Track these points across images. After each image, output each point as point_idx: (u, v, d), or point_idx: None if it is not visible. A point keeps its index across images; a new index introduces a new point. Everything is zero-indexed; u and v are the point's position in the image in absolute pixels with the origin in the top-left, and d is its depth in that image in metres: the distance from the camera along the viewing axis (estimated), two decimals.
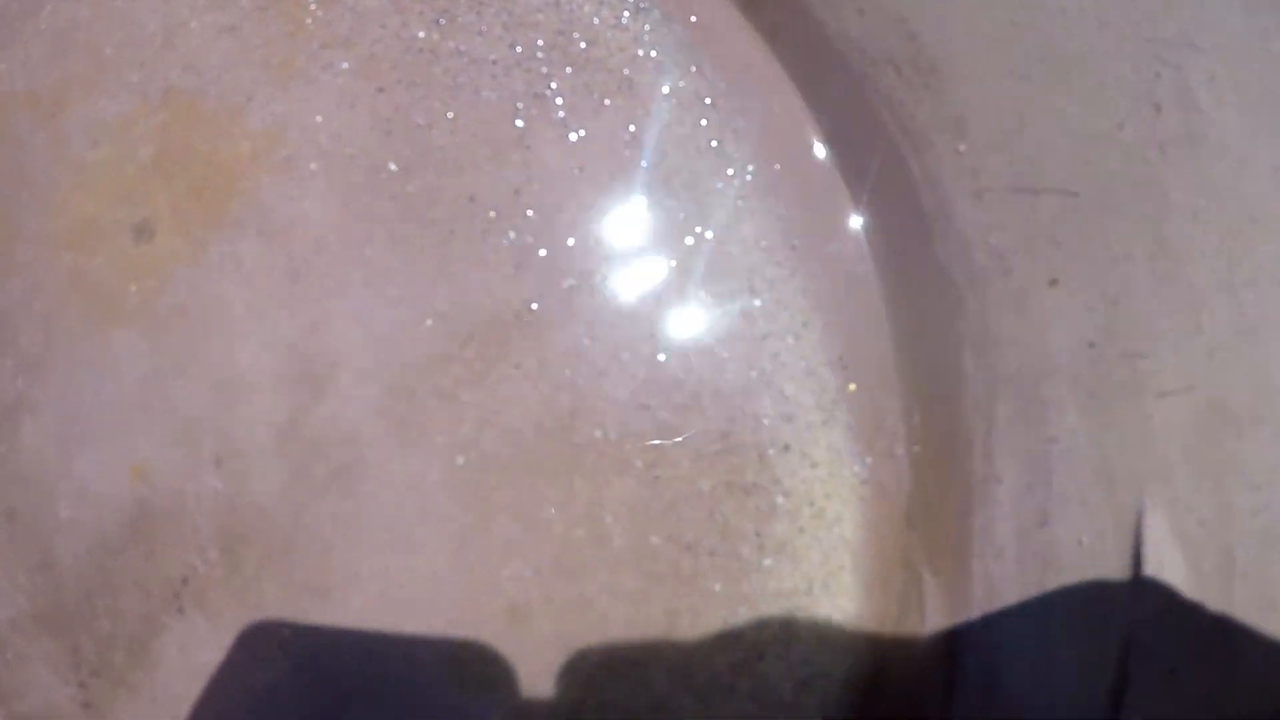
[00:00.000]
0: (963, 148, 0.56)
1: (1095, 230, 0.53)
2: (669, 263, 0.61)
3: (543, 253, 0.61)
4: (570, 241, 0.61)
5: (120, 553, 0.62)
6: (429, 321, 0.61)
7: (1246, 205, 0.48)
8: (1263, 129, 0.47)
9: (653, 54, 0.59)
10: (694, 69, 0.60)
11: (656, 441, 0.59)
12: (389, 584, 0.61)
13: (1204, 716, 0.52)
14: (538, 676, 0.61)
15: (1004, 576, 0.58)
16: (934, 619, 0.61)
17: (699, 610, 0.60)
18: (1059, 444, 0.56)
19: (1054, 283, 0.55)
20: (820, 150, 0.60)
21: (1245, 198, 0.48)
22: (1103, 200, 0.53)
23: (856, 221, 0.60)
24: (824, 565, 0.60)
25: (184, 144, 0.63)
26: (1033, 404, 0.56)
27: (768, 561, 0.60)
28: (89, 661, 0.62)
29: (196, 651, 0.61)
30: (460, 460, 0.60)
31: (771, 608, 0.61)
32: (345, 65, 0.62)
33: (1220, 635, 0.51)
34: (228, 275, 0.62)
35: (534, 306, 0.61)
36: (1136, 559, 0.54)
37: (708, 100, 0.59)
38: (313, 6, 0.61)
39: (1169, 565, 0.53)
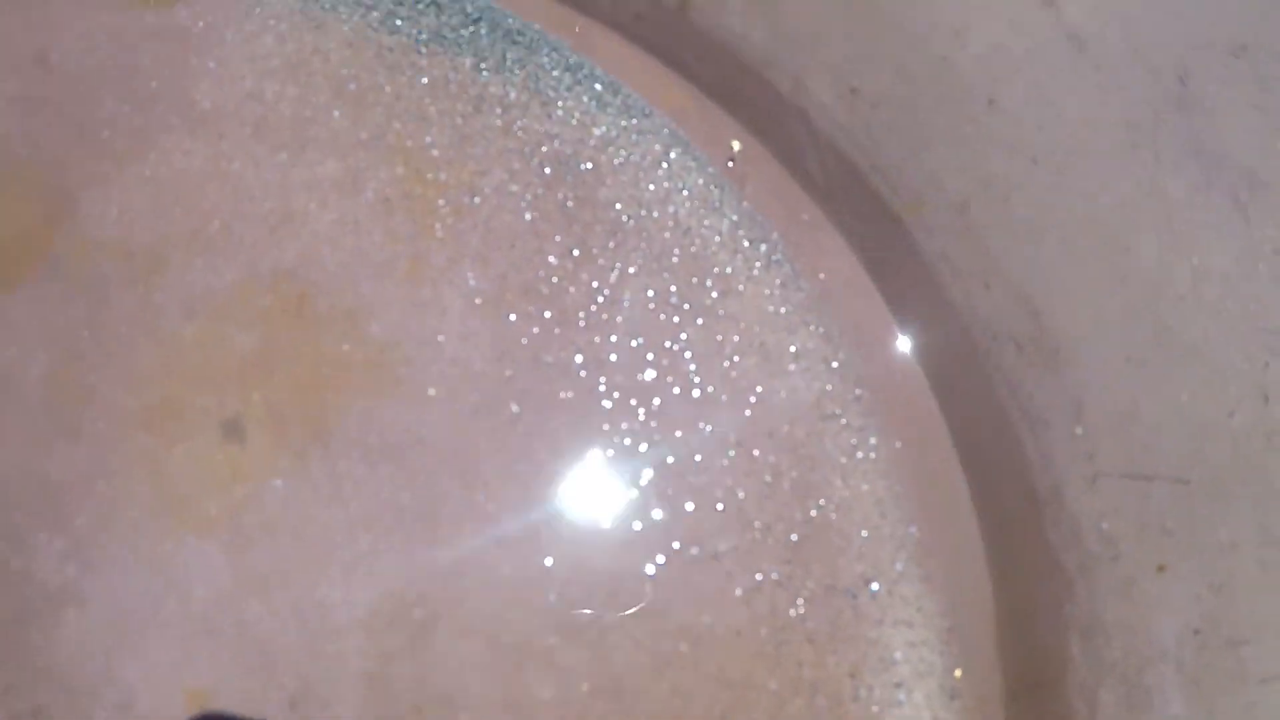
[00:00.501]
0: (1079, 430, 0.58)
1: (1204, 519, 0.56)
2: (785, 532, 0.58)
3: (659, 516, 0.58)
4: (690, 507, 0.58)
5: None
6: (545, 578, 0.55)
7: None
8: None
9: (782, 310, 0.58)
10: (821, 330, 0.59)
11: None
12: None
13: None
14: None
15: None
16: None
17: None
18: None
19: (1162, 569, 0.57)
20: (941, 428, 0.60)
21: None
22: (1212, 489, 0.55)
23: (970, 502, 0.60)
24: None
25: (291, 338, 0.57)
26: (1137, 690, 0.57)
27: None
28: None
29: None
30: None
31: None
32: (473, 283, 0.58)
33: None
34: (326, 497, 0.55)
35: (651, 570, 0.57)
36: None
37: (834, 364, 0.59)
38: (444, 210, 0.56)
39: None
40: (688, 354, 0.59)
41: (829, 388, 0.58)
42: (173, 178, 0.59)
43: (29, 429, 0.55)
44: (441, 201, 0.58)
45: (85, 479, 0.55)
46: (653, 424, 0.58)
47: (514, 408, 0.57)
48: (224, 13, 0.59)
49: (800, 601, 0.58)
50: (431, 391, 0.57)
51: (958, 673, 0.57)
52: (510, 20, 0.61)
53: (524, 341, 0.58)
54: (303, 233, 0.59)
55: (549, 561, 0.56)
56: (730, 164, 0.61)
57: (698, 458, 0.58)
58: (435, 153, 0.59)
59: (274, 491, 0.55)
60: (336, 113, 0.59)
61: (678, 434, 0.58)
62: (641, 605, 0.56)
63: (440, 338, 0.57)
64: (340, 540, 0.55)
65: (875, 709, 0.56)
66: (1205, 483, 0.56)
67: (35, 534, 0.54)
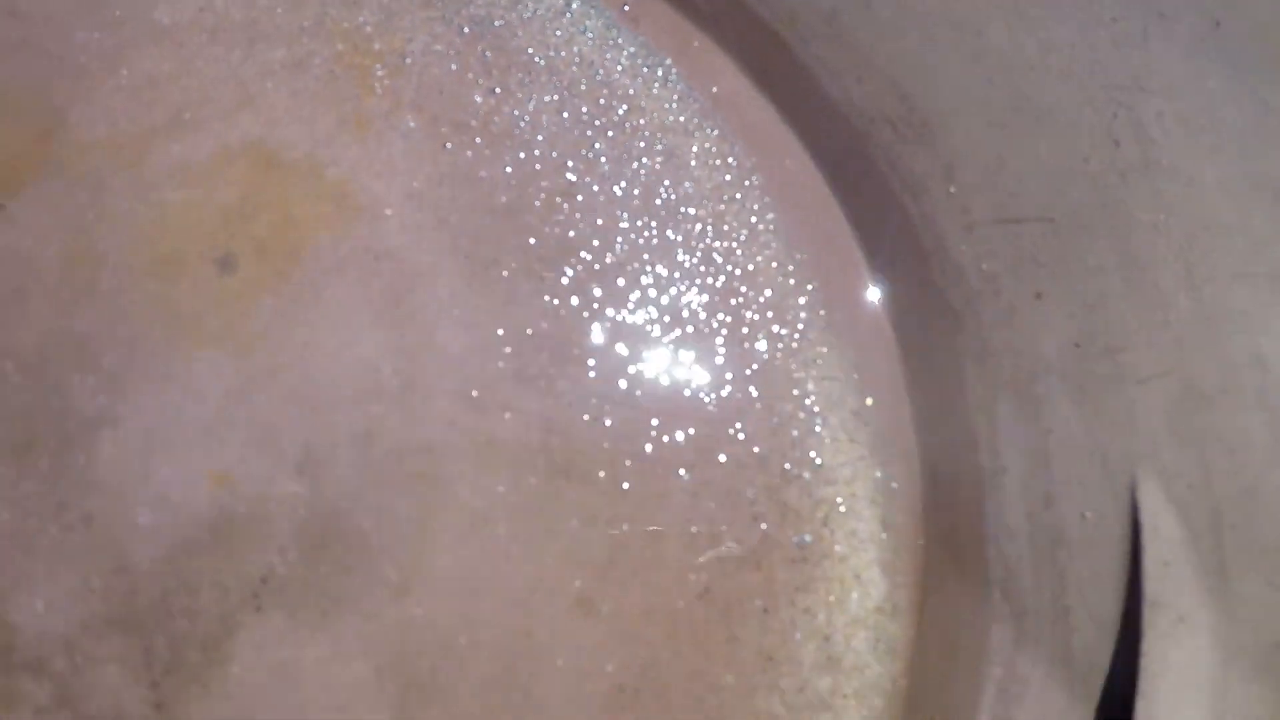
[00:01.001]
0: (953, 190, 0.66)
1: (1071, 249, 0.64)
2: (699, 296, 0.68)
3: (597, 292, 0.68)
4: (620, 282, 0.68)
5: (199, 554, 0.64)
6: (497, 344, 0.67)
7: (1199, 216, 0.60)
8: (1206, 151, 0.59)
9: (681, 119, 0.67)
10: (716, 133, 0.69)
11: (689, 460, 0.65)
12: (459, 576, 0.65)
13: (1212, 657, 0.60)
14: (601, 656, 0.66)
15: (1019, 556, 0.65)
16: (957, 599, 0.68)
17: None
18: (1055, 434, 0.65)
19: (1039, 296, 0.65)
20: (831, 201, 0.69)
21: (1197, 210, 0.60)
22: (1076, 223, 0.64)
23: (864, 260, 0.69)
24: (848, 562, 0.66)
25: (264, 190, 0.69)
26: (1029, 402, 0.65)
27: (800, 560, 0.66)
28: (162, 660, 0.63)
29: (274, 649, 0.63)
30: (529, 468, 0.66)
31: (797, 607, 0.66)
32: (412, 124, 0.70)
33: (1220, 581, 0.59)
34: (309, 304, 0.67)
35: (589, 334, 0.67)
36: (1135, 526, 0.62)
37: (730, 159, 0.68)
38: (380, 74, 0.67)
39: (1164, 527, 0.62)
40: (602, 159, 0.69)
41: (727, 178, 0.68)
42: (146, 83, 0.70)
43: (53, 298, 0.67)
44: (378, 67, 0.70)
45: (107, 326, 0.66)
46: (577, 215, 0.68)
47: (454, 218, 0.68)
48: None
49: (720, 343, 0.69)
50: (388, 212, 0.68)
51: (869, 400, 0.67)
52: None
53: (460, 164, 0.69)
54: (263, 108, 0.70)
55: (500, 331, 0.67)
56: (625, 8, 0.71)
57: (619, 241, 0.68)
58: (369, 29, 0.70)
59: (265, 306, 0.67)
60: (279, 10, 0.70)
61: (599, 222, 0.68)
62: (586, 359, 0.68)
63: (389, 170, 0.69)
64: (324, 335, 0.67)
65: (794, 433, 0.66)
66: (1069, 219, 0.64)
67: (69, 377, 0.66)
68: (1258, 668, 0.59)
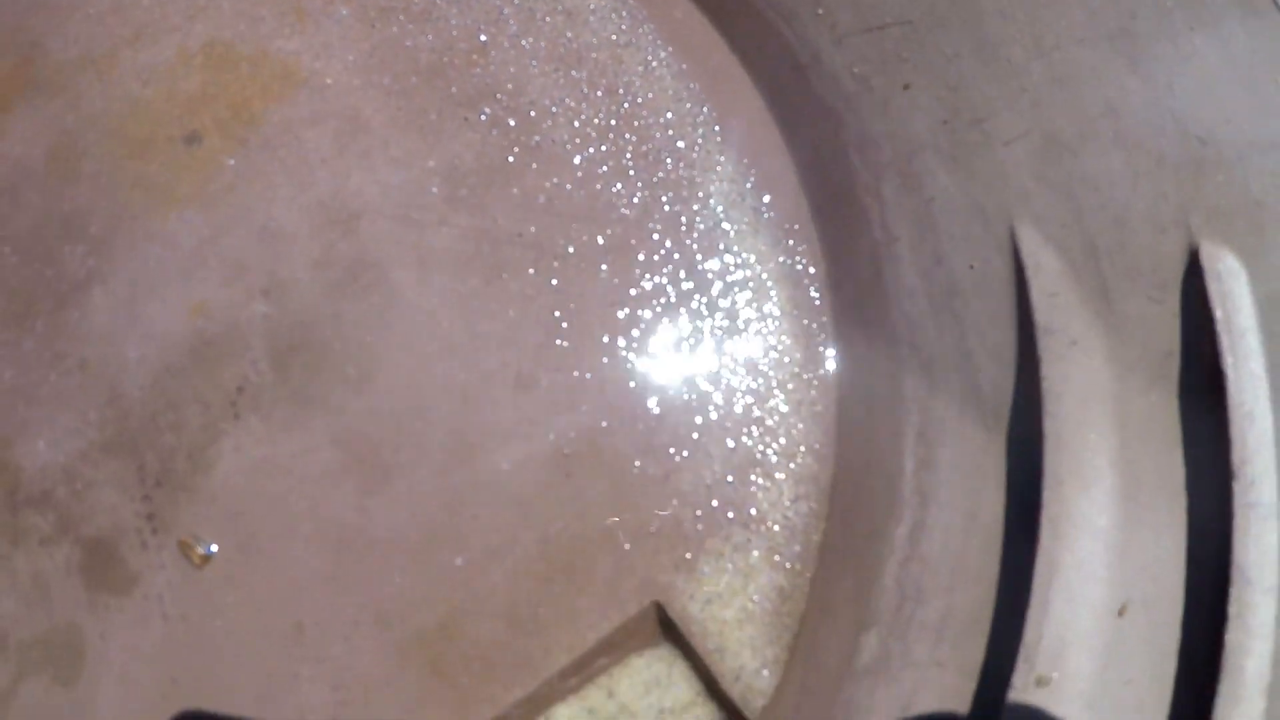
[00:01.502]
0: (820, 11, 0.73)
1: (930, 43, 0.72)
2: (607, 120, 0.74)
3: (512, 123, 0.77)
4: (532, 113, 0.78)
5: (181, 375, 0.72)
6: (429, 175, 0.76)
7: (1051, 20, 0.69)
8: None
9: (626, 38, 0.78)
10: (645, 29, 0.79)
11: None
12: (412, 367, 0.72)
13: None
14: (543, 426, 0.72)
15: (919, 311, 0.68)
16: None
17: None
18: (937, 200, 0.70)
19: (907, 87, 0.71)
20: (719, 39, 0.77)
21: (1043, 11, 0.69)
22: (931, 21, 0.72)
23: (750, 81, 0.76)
24: (764, 334, 0.68)
25: (221, 77, 0.79)
26: (910, 177, 0.71)
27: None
28: (153, 474, 0.70)
29: (252, 449, 0.71)
30: (467, 271, 0.75)
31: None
32: (345, 12, 0.80)
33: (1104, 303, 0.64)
34: (265, 160, 0.77)
35: (510, 159, 0.77)
36: (1019, 267, 0.66)
37: (624, 13, 0.78)
38: None
39: (1045, 263, 0.66)
40: (510, 21, 0.80)
41: (623, 27, 0.81)
42: (110, 8, 0.81)
43: (44, 189, 0.77)
44: None
45: (91, 203, 0.76)
46: (491, 67, 0.78)
47: (386, 80, 0.78)
48: None
49: (628, 159, 0.74)
50: (328, 81, 0.78)
51: (766, 197, 0.72)
52: None
53: (387, 38, 0.80)
54: (213, 14, 0.81)
55: (431, 163, 0.77)
56: None
57: (529, 84, 0.78)
58: None
59: (228, 167, 0.77)
60: None
61: (511, 70, 0.79)
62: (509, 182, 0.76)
63: (327, 50, 0.79)
64: (281, 183, 0.77)
65: (702, 227, 0.72)
66: (925, 18, 0.72)
67: (60, 249, 0.75)
68: (1152, 377, 0.62)
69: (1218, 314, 0.54)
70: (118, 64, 0.80)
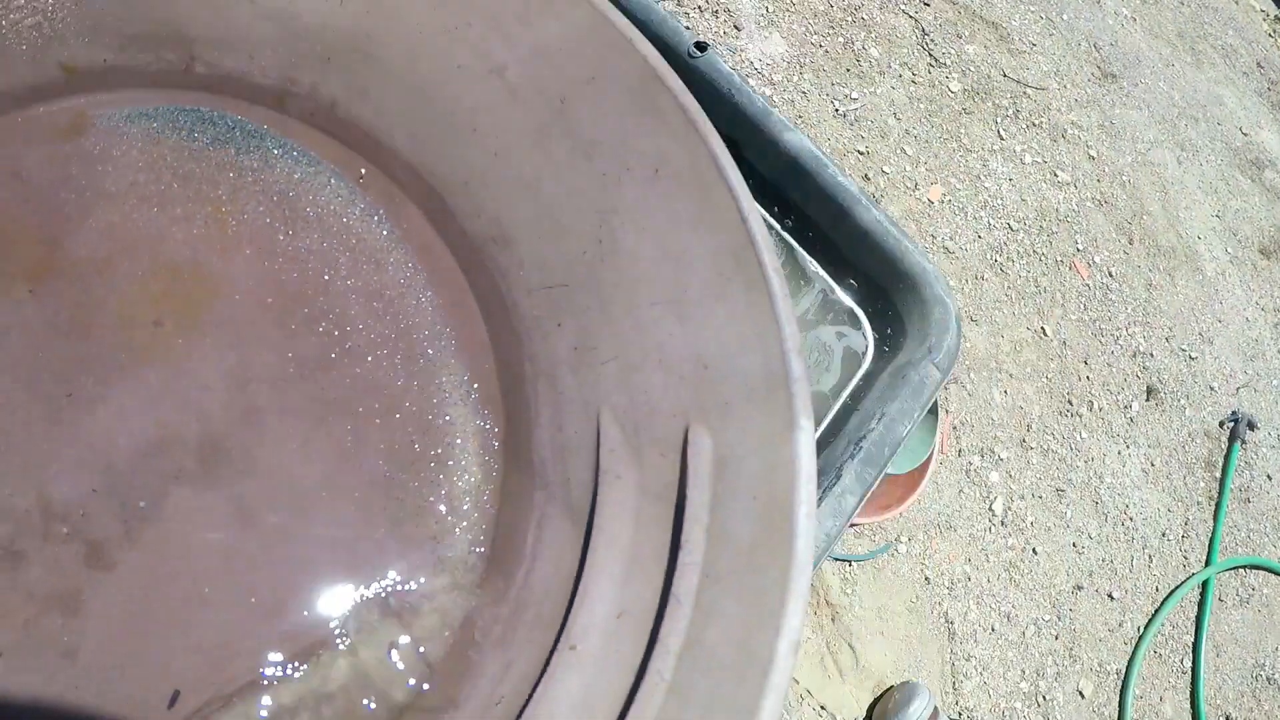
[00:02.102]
0: (521, 272, 1.30)
1: (575, 299, 1.28)
2: (398, 343, 1.24)
3: (336, 332, 1.21)
4: (348, 328, 1.22)
5: None
6: (287, 361, 1.15)
7: (637, 284, 1.28)
8: (651, 244, 1.30)
9: (381, 240, 1.28)
10: (402, 250, 1.29)
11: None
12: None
13: None
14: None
15: (547, 457, 1.22)
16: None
17: None
18: (564, 394, 1.25)
19: (560, 325, 1.28)
20: (465, 285, 1.29)
21: (639, 280, 1.28)
22: (577, 285, 1.29)
23: (480, 313, 1.29)
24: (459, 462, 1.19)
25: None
26: (552, 379, 1.25)
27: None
28: None
29: None
30: (299, 415, 1.12)
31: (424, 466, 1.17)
32: (249, 251, 1.20)
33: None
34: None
35: (332, 355, 1.19)
36: (598, 434, 1.22)
37: (410, 264, 1.28)
38: None
39: (611, 434, 1.23)
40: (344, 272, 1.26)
41: (407, 272, 1.28)
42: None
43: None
44: None
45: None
46: (344, 318, 1.23)
47: (269, 299, 1.19)
48: None
49: (399, 358, 1.23)
50: (237, 298, 1.18)
51: (476, 385, 1.24)
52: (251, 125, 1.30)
53: (273, 274, 1.21)
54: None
55: (289, 354, 1.15)
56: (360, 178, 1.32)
57: (370, 319, 1.23)
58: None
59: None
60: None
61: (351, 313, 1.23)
62: (330, 371, 1.17)
63: (231, 278, 1.19)
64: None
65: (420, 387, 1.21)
66: (575, 283, 1.30)
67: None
68: (659, 498, 1.17)
69: (691, 464, 0.87)
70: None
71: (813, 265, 1.55)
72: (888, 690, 2.40)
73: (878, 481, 1.38)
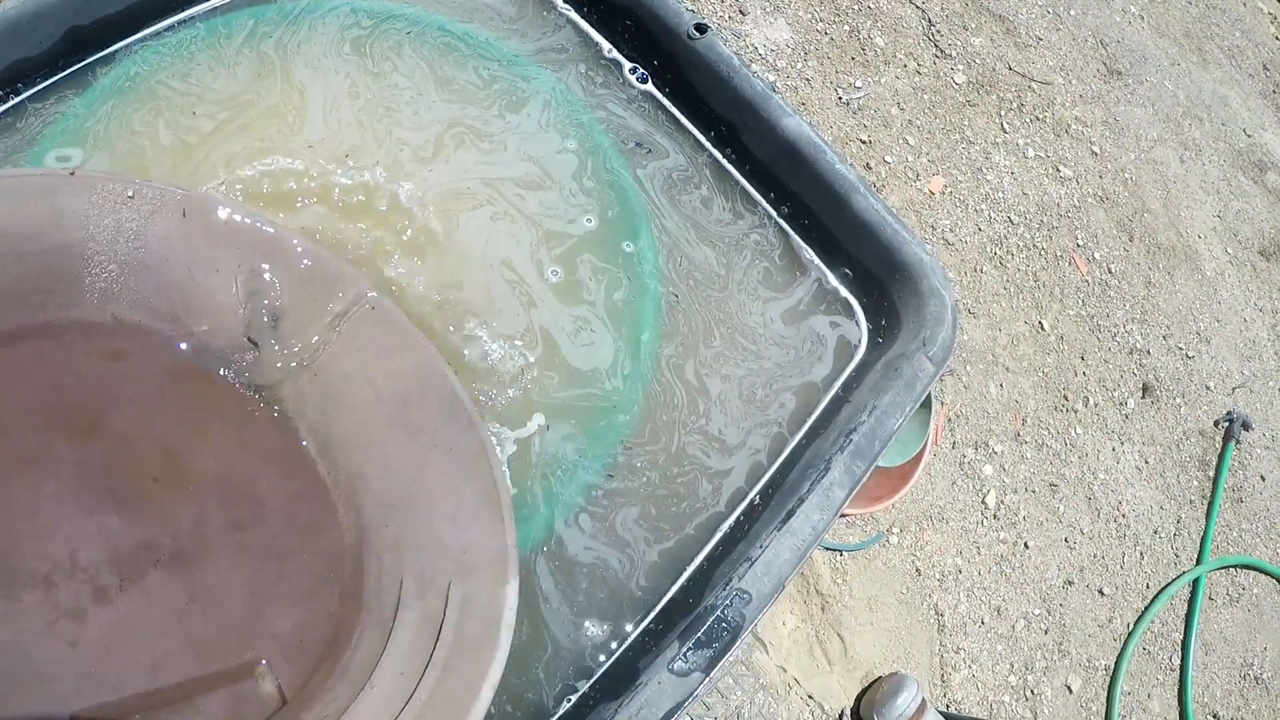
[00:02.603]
0: (371, 492, 1.29)
1: (396, 513, 1.28)
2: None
3: None
4: None
5: None
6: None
7: (436, 511, 1.28)
8: (444, 485, 1.29)
9: None
10: None
11: None
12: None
13: None
14: None
15: (373, 598, 1.22)
16: None
17: None
18: (385, 564, 1.25)
19: (387, 526, 1.27)
20: None
21: (434, 508, 1.28)
22: (401, 504, 1.29)
23: None
24: None
25: None
26: (380, 556, 1.25)
27: None
28: None
29: None
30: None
31: None
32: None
33: None
34: None
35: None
36: (400, 586, 1.18)
37: None
38: None
39: (409, 586, 1.22)
40: None
41: None
42: None
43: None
44: None
45: None
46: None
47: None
48: None
49: None
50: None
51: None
52: None
53: None
54: None
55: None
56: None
57: None
58: None
59: None
60: None
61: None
62: None
63: None
64: None
65: None
66: None
67: None
68: (430, 618, 1.13)
69: (450, 600, 1.07)
70: None
71: (808, 253, 1.55)
72: (876, 681, 2.41)
73: (868, 475, 1.38)
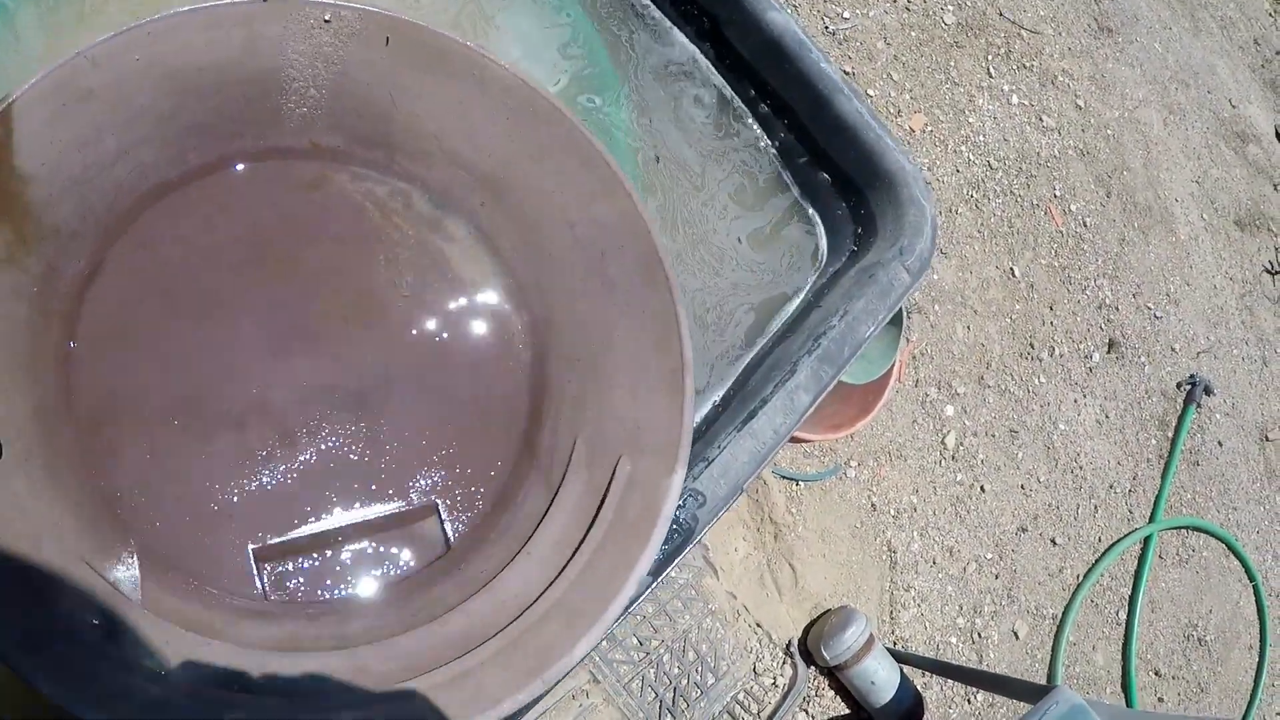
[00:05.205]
0: (559, 347, 1.24)
1: (580, 370, 1.23)
2: None
3: None
4: None
5: None
6: None
7: (618, 377, 1.22)
8: (630, 351, 1.23)
9: None
10: None
11: None
12: None
13: None
14: None
15: (545, 451, 1.17)
16: None
17: None
18: (563, 420, 1.20)
19: (570, 382, 1.22)
20: None
21: (616, 374, 1.22)
22: (587, 363, 1.23)
23: None
24: None
25: None
26: (560, 410, 1.20)
27: None
28: None
29: None
30: None
31: None
32: None
33: None
34: None
35: None
36: (573, 447, 1.14)
37: None
38: None
39: (581, 450, 1.17)
40: None
41: None
42: None
43: None
44: None
45: None
46: None
47: None
48: None
49: None
50: None
51: None
52: None
53: None
54: None
55: None
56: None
57: None
58: None
59: None
60: None
61: None
62: None
63: None
64: None
65: None
66: None
67: None
68: (595, 490, 1.12)
69: (616, 477, 1.05)
70: None
71: (788, 168, 1.50)
72: (825, 614, 2.40)
73: (834, 382, 1.34)
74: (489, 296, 1.19)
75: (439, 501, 1.09)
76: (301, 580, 1.03)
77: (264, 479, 1.02)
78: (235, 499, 1.00)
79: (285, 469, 1.03)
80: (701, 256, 1.44)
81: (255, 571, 1.00)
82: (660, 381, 1.07)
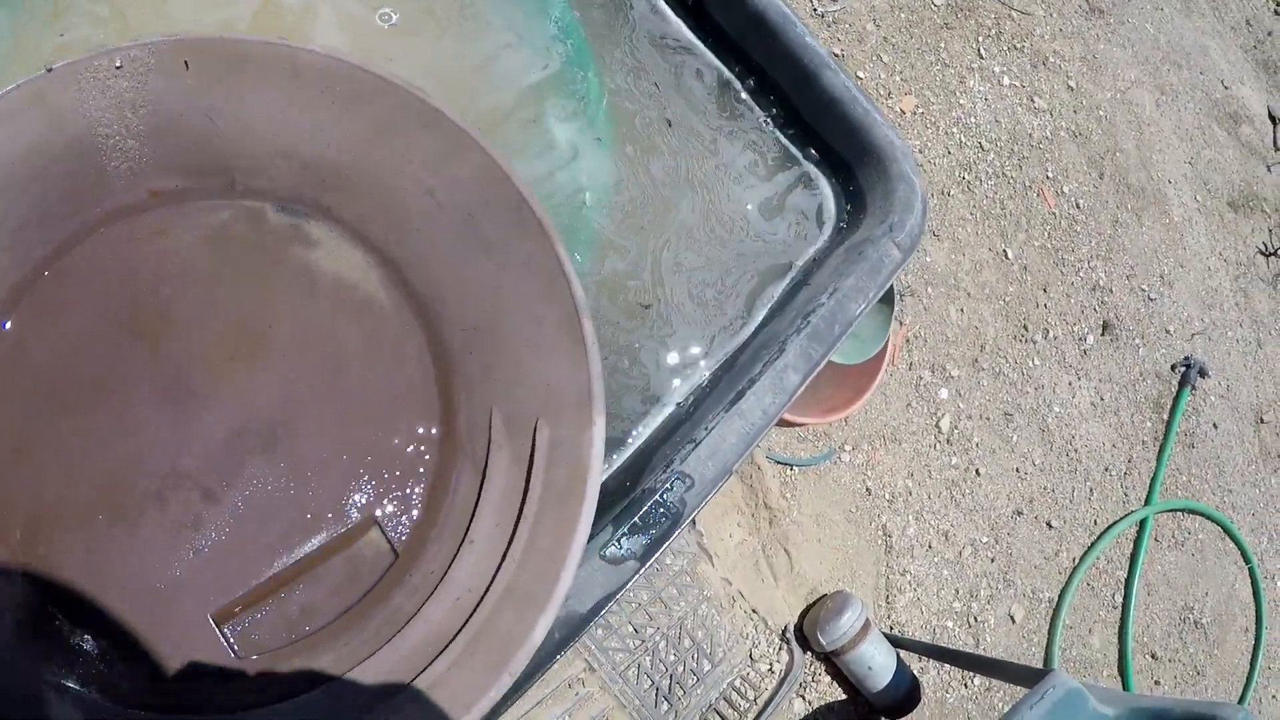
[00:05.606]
0: (451, 319, 1.22)
1: (480, 339, 1.21)
2: None
3: None
4: None
5: None
6: None
7: (518, 338, 1.20)
8: (523, 308, 1.21)
9: None
10: None
11: None
12: None
13: None
14: None
15: (466, 435, 1.15)
16: None
17: None
18: (475, 397, 1.18)
19: (471, 354, 1.20)
20: None
21: (516, 334, 1.20)
22: (484, 330, 1.21)
23: None
24: None
25: None
26: (470, 389, 1.18)
27: None
28: None
29: None
30: None
31: None
32: None
33: None
34: None
35: None
36: (490, 423, 1.12)
37: None
38: None
39: (498, 423, 1.14)
40: None
41: None
42: None
43: None
44: None
45: None
46: None
47: None
48: None
49: None
50: None
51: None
52: None
53: None
54: None
55: None
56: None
57: None
58: None
59: None
60: None
61: None
62: None
63: None
64: None
65: None
66: None
67: None
68: (520, 460, 1.10)
69: (538, 442, 1.05)
70: None
71: (783, 137, 1.48)
72: (821, 599, 2.38)
73: (824, 361, 1.32)
74: (368, 290, 1.15)
75: (376, 513, 1.08)
76: (265, 630, 1.02)
77: (200, 543, 1.01)
78: (179, 573, 1.00)
79: (217, 526, 1.02)
80: (711, 228, 1.42)
81: (220, 636, 0.99)
82: (558, 332, 1.06)
